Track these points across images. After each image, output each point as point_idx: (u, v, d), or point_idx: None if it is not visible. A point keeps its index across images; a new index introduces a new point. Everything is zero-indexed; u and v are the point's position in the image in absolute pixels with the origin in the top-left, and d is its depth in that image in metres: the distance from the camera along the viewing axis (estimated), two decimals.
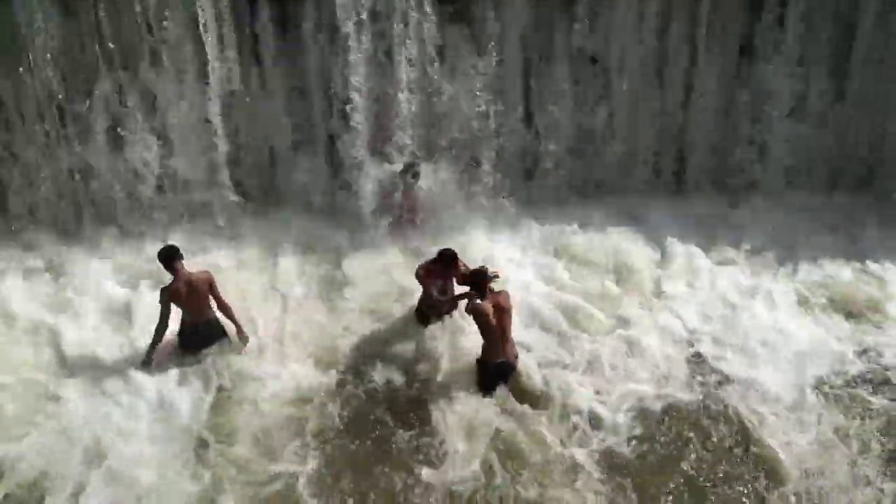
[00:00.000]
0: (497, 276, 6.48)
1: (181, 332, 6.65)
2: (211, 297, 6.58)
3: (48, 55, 7.59)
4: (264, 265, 7.99)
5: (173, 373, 6.50)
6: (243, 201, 8.42)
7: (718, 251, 8.29)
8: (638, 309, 7.41)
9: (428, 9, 7.91)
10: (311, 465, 5.76)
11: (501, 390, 6.38)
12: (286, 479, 5.65)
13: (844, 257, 8.16)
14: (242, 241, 8.25)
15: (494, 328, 6.40)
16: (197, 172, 8.23)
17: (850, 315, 7.39)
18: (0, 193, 8.09)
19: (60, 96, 7.77)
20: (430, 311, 7.05)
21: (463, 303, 6.74)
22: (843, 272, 7.96)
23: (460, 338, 6.85)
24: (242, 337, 6.72)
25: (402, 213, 8.15)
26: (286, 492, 5.58)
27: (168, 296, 6.45)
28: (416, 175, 8.08)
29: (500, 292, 6.49)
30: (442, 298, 6.93)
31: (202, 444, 5.93)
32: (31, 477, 5.64)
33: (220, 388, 6.40)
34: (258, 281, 7.73)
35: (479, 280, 6.41)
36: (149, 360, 6.55)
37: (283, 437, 5.99)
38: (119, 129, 7.95)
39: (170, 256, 6.50)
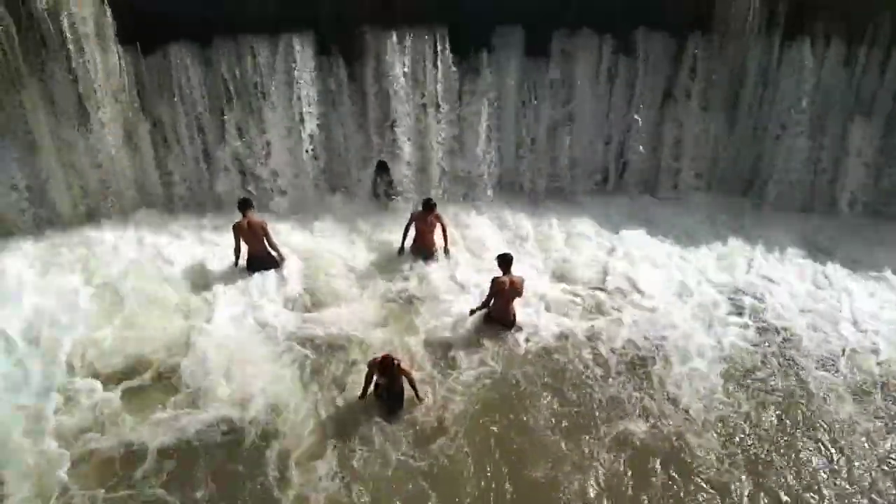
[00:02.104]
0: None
1: (248, 260, 10.31)
2: (265, 237, 10.13)
3: (193, 94, 11.04)
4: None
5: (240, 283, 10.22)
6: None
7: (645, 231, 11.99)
8: None
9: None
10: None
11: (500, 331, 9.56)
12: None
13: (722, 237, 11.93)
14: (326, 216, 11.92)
15: (503, 297, 9.41)
16: (291, 172, 11.80)
17: None
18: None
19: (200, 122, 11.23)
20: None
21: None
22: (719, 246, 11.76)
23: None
24: (283, 262, 10.40)
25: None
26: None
27: (236, 229, 10.07)
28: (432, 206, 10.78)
29: (515, 276, 9.50)
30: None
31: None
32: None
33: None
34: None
35: (503, 261, 9.46)
36: (235, 263, 10.31)
37: None
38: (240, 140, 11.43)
39: (242, 204, 10.12)
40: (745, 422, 8.58)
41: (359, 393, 8.47)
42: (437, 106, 11.73)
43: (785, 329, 10.02)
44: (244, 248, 10.34)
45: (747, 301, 10.52)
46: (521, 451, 8.12)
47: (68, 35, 10.11)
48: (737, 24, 11.64)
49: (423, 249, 10.90)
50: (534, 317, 9.93)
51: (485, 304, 9.59)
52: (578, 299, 10.48)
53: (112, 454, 7.84)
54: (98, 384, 8.59)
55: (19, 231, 11.01)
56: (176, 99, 11.03)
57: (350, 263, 10.95)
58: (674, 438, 8.30)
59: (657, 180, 12.89)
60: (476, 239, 11.53)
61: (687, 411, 8.64)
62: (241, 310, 9.83)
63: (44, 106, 10.51)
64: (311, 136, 11.59)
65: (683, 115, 12.38)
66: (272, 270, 10.40)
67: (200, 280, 10.36)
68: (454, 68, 11.59)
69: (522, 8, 11.40)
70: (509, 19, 11.57)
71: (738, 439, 8.36)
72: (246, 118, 11.35)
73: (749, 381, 9.19)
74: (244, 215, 10.14)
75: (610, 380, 9.09)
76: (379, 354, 8.27)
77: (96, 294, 9.98)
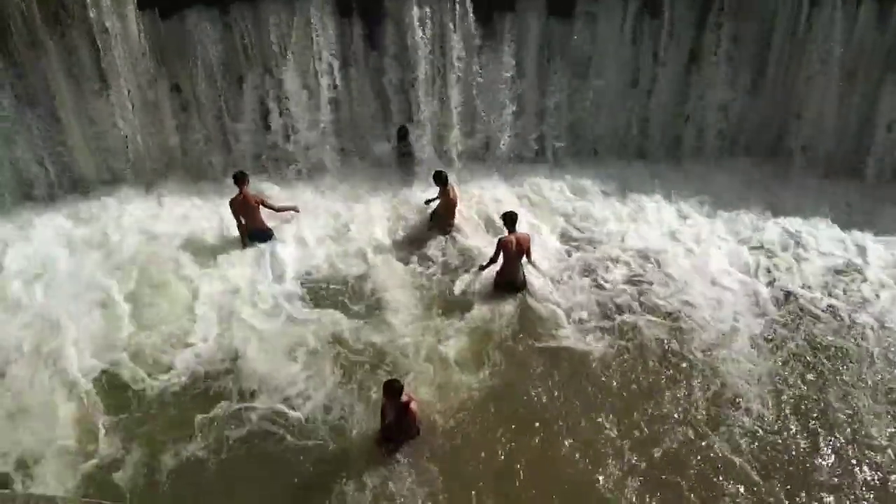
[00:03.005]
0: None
1: (249, 233, 10.33)
2: (261, 210, 10.17)
3: (211, 57, 10.98)
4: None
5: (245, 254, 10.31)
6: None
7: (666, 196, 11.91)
8: None
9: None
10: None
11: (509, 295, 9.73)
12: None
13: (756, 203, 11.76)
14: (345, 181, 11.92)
15: (510, 256, 9.53)
16: (310, 136, 11.75)
17: None
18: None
19: (219, 85, 11.17)
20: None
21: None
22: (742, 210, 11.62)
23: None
24: (290, 212, 10.64)
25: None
26: None
27: (233, 204, 10.05)
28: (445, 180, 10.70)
29: (522, 234, 9.72)
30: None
31: None
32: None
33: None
34: None
35: (508, 219, 9.66)
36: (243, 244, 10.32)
37: None
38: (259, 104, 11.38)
39: (238, 178, 10.05)
40: (790, 388, 8.59)
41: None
42: (458, 69, 11.54)
43: (810, 297, 9.90)
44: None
45: (772, 265, 10.44)
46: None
47: (87, 1, 10.03)
48: None
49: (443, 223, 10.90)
50: (545, 283, 9.93)
51: (492, 261, 9.69)
52: (597, 263, 10.45)
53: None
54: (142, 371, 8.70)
55: (43, 198, 11.15)
56: (194, 63, 10.96)
57: (368, 229, 10.96)
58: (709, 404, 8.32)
59: (681, 143, 12.65)
60: (493, 203, 11.46)
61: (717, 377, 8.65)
62: (263, 288, 9.87)
63: (64, 72, 10.52)
64: (330, 100, 11.48)
65: (709, 77, 12.09)
66: (273, 241, 10.48)
67: (217, 251, 10.42)
68: (475, 31, 11.38)
69: None
70: None
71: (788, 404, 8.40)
72: (264, 82, 11.27)
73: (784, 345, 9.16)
74: (240, 190, 10.09)
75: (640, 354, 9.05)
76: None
77: (117, 268, 10.07)
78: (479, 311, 9.56)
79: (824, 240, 10.96)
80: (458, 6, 11.12)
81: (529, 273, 9.98)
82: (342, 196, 11.72)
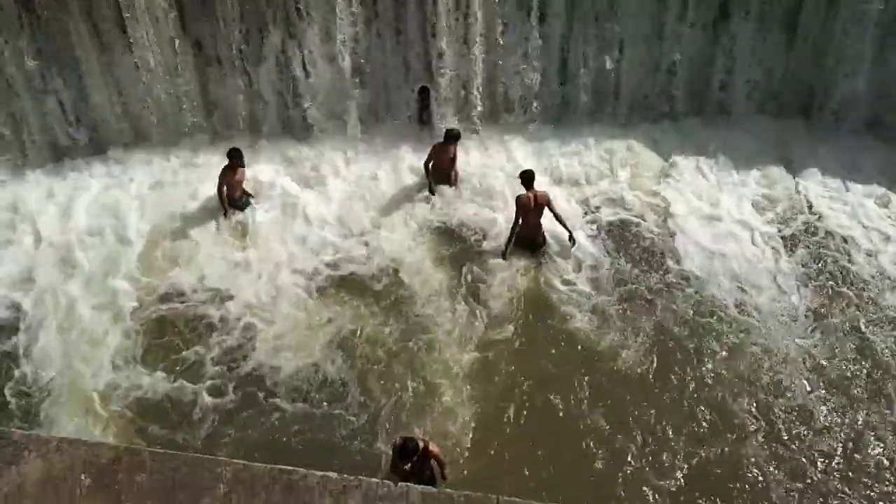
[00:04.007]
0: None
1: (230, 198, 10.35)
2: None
3: (234, 13, 10.96)
4: None
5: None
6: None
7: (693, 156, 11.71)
8: None
9: None
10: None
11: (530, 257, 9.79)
12: None
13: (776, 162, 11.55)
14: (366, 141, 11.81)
15: (528, 214, 9.53)
16: (331, 95, 11.66)
17: None
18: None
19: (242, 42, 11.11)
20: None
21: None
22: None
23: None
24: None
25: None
26: None
27: (223, 176, 10.15)
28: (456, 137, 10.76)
29: (540, 191, 9.70)
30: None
31: None
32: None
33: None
34: None
35: (525, 178, 9.65)
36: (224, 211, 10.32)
37: None
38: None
39: (230, 155, 10.11)
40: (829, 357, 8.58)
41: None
42: (480, 29, 11.32)
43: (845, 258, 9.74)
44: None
45: (801, 230, 10.35)
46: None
47: None
48: None
49: (441, 177, 10.93)
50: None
51: (513, 229, 9.64)
52: (620, 225, 10.43)
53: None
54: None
55: (68, 156, 11.29)
56: (216, 20, 10.88)
57: (385, 189, 11.00)
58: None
59: (707, 102, 12.34)
60: (514, 163, 11.35)
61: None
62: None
63: (87, 30, 10.54)
64: (352, 58, 11.35)
65: (739, 34, 11.72)
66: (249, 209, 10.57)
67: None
68: None
69: None
70: None
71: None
72: (286, 40, 11.16)
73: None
74: (233, 163, 10.16)
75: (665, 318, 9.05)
76: (398, 437, 6.84)
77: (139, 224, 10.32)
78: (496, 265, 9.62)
79: (859, 197, 10.76)
80: None
81: (552, 234, 9.91)
82: (362, 156, 11.66)
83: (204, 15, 10.88)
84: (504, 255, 9.76)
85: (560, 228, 9.86)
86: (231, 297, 9.28)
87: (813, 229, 10.31)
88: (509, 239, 9.73)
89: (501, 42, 11.56)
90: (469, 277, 9.54)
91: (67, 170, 11.16)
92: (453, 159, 10.94)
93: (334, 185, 11.03)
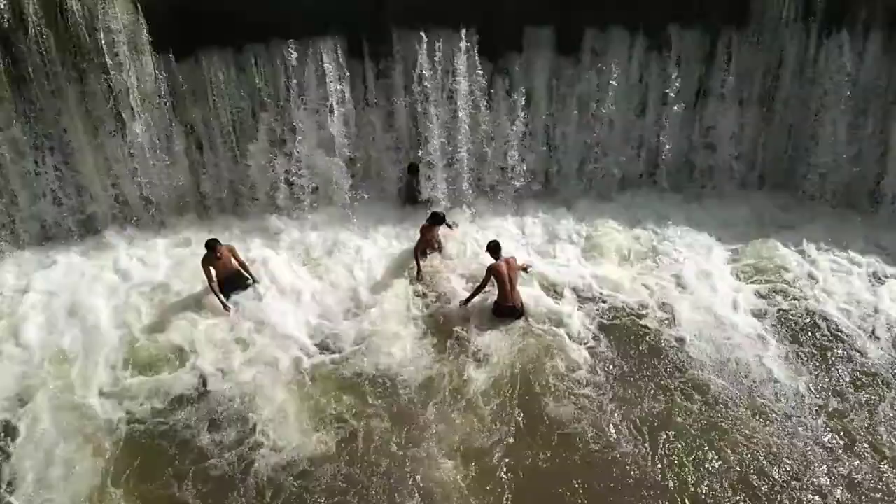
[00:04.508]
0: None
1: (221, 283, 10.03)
2: (234, 259, 10.11)
3: (226, 98, 11.19)
4: None
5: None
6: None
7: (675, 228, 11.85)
8: None
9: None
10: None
11: (511, 323, 9.74)
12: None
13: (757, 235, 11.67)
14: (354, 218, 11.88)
15: (505, 282, 9.62)
16: (321, 173, 11.78)
17: None
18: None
19: (234, 125, 11.38)
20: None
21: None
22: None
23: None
24: (255, 280, 10.37)
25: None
26: None
27: (206, 262, 9.84)
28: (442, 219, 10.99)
29: (509, 257, 9.90)
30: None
31: None
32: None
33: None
34: None
35: (492, 248, 9.78)
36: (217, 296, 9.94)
37: None
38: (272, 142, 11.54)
39: (209, 247, 9.87)
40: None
41: None
42: (466, 106, 11.67)
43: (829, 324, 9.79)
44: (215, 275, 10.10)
45: (787, 294, 10.41)
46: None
47: (104, 43, 10.28)
48: (772, 17, 11.41)
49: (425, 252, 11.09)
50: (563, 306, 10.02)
51: (477, 290, 9.82)
52: (605, 294, 10.45)
53: None
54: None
55: (57, 238, 11.34)
56: (208, 103, 11.16)
57: (375, 268, 11.01)
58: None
59: (690, 177, 12.67)
60: (503, 236, 11.40)
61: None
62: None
63: (81, 113, 10.72)
64: (341, 137, 11.60)
65: (718, 111, 12.15)
66: (250, 290, 10.39)
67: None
68: (482, 70, 11.51)
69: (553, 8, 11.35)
70: (539, 20, 11.48)
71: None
72: (277, 121, 11.43)
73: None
74: (214, 250, 9.95)
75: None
76: None
77: (125, 302, 10.22)
78: (484, 343, 9.55)
79: (838, 269, 10.88)
80: (465, 46, 11.28)
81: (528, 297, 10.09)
82: (351, 233, 11.75)
83: (196, 100, 11.15)
84: (464, 303, 9.94)
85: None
86: (223, 382, 9.10)
87: (799, 302, 10.34)
88: (474, 293, 9.89)
89: (488, 121, 11.91)
90: (460, 365, 9.28)
91: (56, 251, 11.16)
92: (439, 240, 11.16)
93: (325, 264, 11.06)
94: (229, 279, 10.28)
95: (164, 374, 9.14)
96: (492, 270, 9.70)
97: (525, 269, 10.27)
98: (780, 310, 10.16)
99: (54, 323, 9.82)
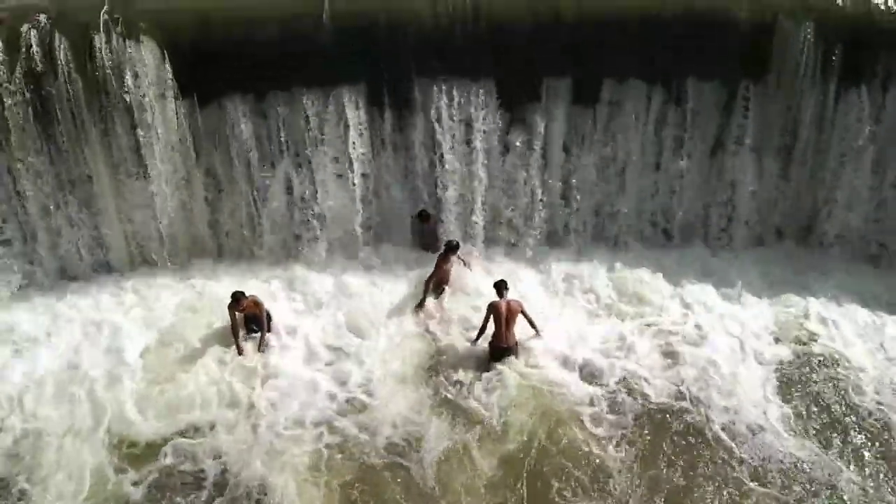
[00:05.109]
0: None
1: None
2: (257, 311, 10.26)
3: (246, 143, 11.37)
4: None
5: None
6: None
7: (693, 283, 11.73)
8: None
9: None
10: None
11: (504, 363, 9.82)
12: None
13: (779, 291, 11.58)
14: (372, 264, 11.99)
15: (501, 322, 9.76)
16: (339, 221, 11.90)
17: None
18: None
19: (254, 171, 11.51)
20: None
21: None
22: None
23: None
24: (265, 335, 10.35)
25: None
26: None
27: (232, 310, 10.09)
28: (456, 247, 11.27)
29: (512, 299, 9.93)
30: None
31: None
32: None
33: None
34: None
35: (497, 286, 9.99)
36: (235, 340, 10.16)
37: None
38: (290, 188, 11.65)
39: (234, 299, 10.07)
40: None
41: None
42: (483, 155, 11.76)
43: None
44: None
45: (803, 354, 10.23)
46: None
47: (131, 89, 10.52)
48: (790, 70, 11.44)
49: (440, 290, 11.17)
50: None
51: (482, 330, 10.00)
52: (614, 348, 10.42)
53: None
54: None
55: (77, 278, 11.43)
56: (229, 150, 11.32)
57: (390, 314, 11.05)
58: None
59: (708, 230, 12.57)
60: (515, 285, 11.23)
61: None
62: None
63: (104, 157, 10.90)
64: (360, 185, 11.70)
65: (736, 164, 12.10)
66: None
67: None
68: (500, 120, 11.64)
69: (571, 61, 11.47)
70: (557, 73, 11.60)
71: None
72: (297, 169, 11.55)
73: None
74: (238, 302, 10.13)
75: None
76: None
77: (146, 348, 10.29)
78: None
79: (859, 328, 10.70)
80: (483, 96, 11.44)
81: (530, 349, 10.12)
82: (367, 279, 11.75)
83: (216, 144, 11.32)
84: (473, 342, 10.22)
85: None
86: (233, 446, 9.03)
87: (817, 359, 10.21)
88: (479, 332, 10.10)
89: (503, 168, 11.96)
90: (468, 424, 9.31)
91: (74, 292, 11.23)
92: (451, 272, 11.23)
93: (340, 309, 11.05)
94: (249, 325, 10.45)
95: None
96: (490, 308, 9.88)
97: (532, 325, 10.23)
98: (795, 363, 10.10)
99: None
